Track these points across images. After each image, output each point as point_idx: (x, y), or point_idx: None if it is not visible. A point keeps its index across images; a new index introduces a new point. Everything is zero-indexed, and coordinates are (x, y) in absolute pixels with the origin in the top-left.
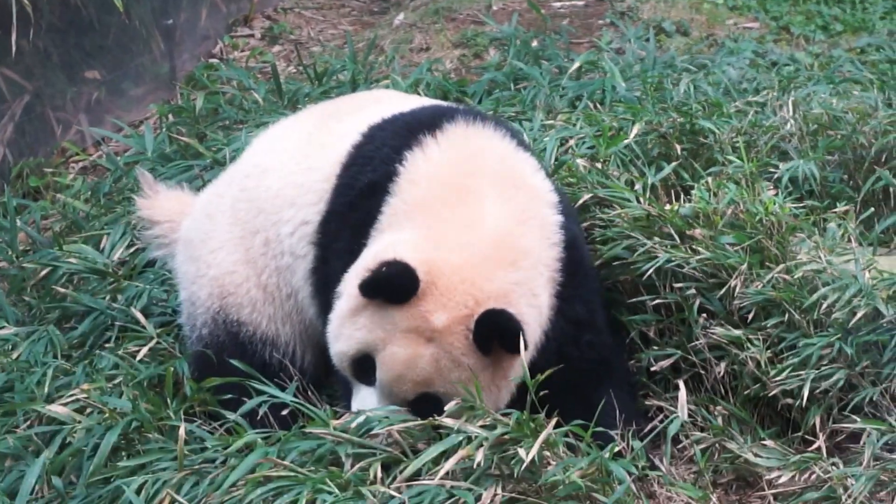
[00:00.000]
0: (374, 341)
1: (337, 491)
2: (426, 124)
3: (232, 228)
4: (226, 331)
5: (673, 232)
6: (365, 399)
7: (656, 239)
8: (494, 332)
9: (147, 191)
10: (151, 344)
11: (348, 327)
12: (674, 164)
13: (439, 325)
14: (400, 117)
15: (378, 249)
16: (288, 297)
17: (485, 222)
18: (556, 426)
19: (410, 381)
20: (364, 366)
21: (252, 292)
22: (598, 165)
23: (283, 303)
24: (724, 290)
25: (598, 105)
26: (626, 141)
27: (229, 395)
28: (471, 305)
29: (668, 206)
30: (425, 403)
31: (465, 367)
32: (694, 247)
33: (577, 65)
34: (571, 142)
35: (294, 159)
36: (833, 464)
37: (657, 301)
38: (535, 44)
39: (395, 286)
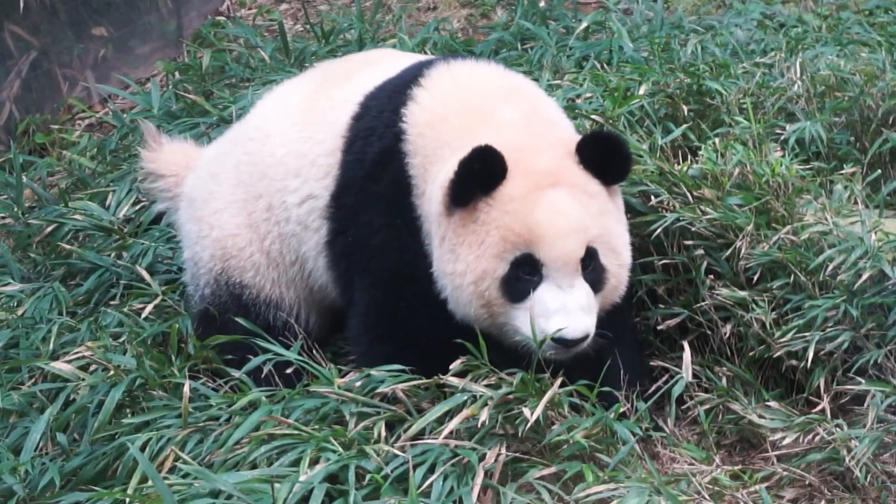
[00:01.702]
0: (512, 225)
1: (341, 449)
2: (410, 79)
3: (235, 190)
4: (228, 292)
5: (686, 190)
6: (550, 300)
7: (665, 195)
8: (597, 149)
9: (151, 143)
10: (156, 301)
11: (479, 261)
12: (684, 126)
13: (546, 164)
14: (389, 83)
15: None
16: (292, 263)
17: (504, 119)
18: (562, 386)
19: (570, 230)
20: (522, 269)
21: (255, 256)
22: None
23: (288, 268)
24: (730, 251)
25: (606, 65)
26: (636, 101)
27: (232, 355)
28: (557, 146)
29: (677, 167)
30: (591, 262)
31: (596, 196)
32: (702, 207)
33: (584, 25)
34: (579, 101)
35: (295, 126)
36: (837, 425)
37: (665, 261)
38: (542, 4)
39: (489, 164)
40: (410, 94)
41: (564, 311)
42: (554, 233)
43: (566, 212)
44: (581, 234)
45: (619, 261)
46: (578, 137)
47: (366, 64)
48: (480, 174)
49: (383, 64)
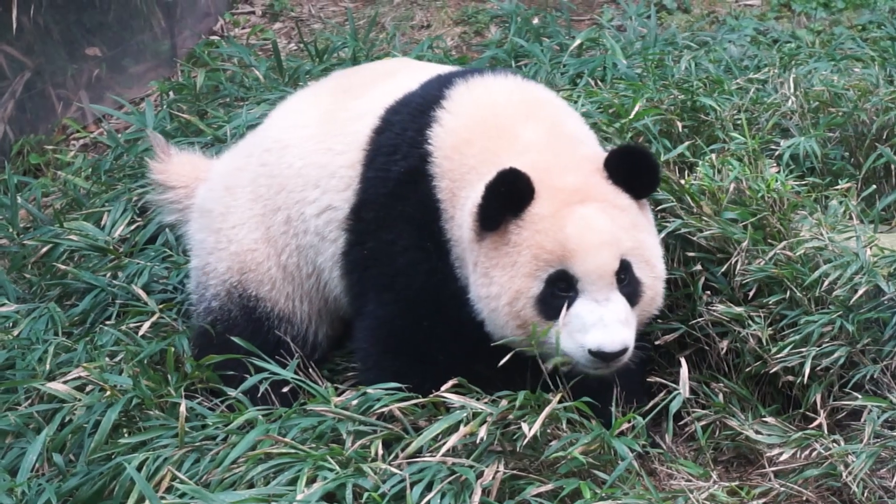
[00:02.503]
0: (543, 243)
1: (338, 468)
2: (432, 99)
3: (253, 205)
4: (240, 305)
5: (690, 202)
6: (587, 314)
7: (673, 202)
8: (624, 164)
9: (160, 154)
10: (153, 319)
11: (512, 281)
12: (686, 143)
13: (573, 181)
14: (410, 99)
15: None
16: (309, 275)
17: (527, 140)
18: (560, 401)
19: (602, 243)
20: (557, 286)
21: (272, 271)
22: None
23: (304, 281)
24: (726, 266)
25: (600, 82)
26: (640, 120)
27: (232, 372)
28: (583, 163)
29: (682, 180)
30: (626, 276)
31: (626, 210)
32: (704, 219)
33: (578, 42)
34: None
35: (314, 137)
36: (834, 441)
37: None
38: (535, 21)
39: (515, 186)
40: (434, 115)
41: (602, 325)
42: (586, 247)
43: (597, 226)
44: (613, 246)
45: (653, 273)
46: (603, 153)
47: (384, 75)
48: (507, 197)
49: (401, 76)
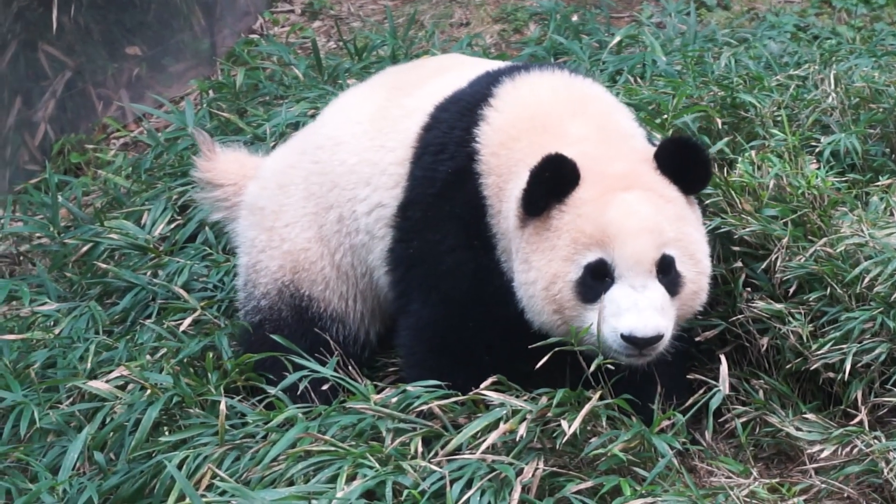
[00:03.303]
0: (584, 227)
1: (377, 465)
2: (479, 97)
3: (306, 203)
4: (291, 304)
5: (733, 195)
6: (621, 299)
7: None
8: (676, 156)
9: (206, 152)
10: (195, 315)
11: (550, 265)
12: (725, 139)
13: (621, 168)
14: (458, 96)
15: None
16: (363, 275)
17: (575, 134)
18: (600, 399)
19: (643, 229)
20: (595, 272)
21: (326, 270)
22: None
23: (358, 281)
24: (766, 262)
25: (639, 79)
26: (680, 118)
27: (272, 374)
28: (632, 154)
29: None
30: (667, 268)
31: (673, 201)
32: (743, 216)
33: (617, 39)
34: None
35: (367, 134)
36: (875, 437)
37: None
38: (575, 18)
39: (559, 171)
40: (481, 113)
41: (636, 309)
42: (626, 232)
43: (639, 212)
44: (655, 234)
45: (697, 268)
46: (652, 147)
47: (437, 71)
48: (551, 181)
49: (453, 72)
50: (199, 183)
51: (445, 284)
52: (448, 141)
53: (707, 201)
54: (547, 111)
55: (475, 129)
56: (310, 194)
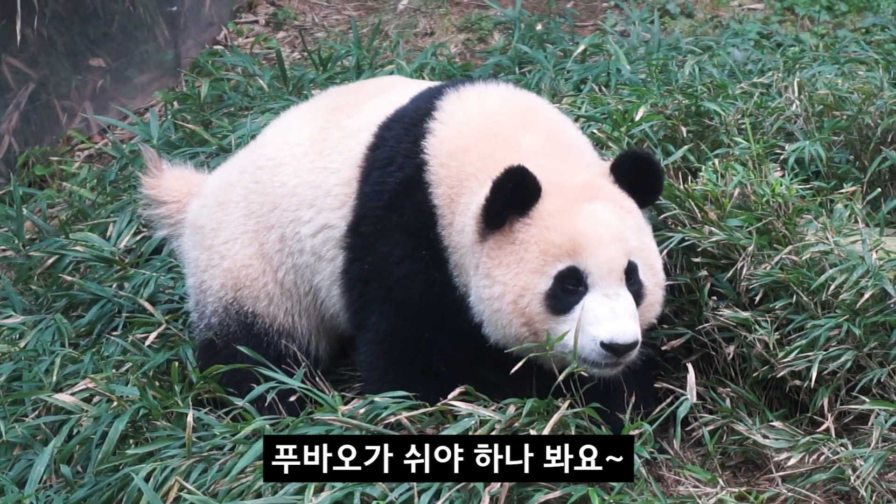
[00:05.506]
0: (553, 238)
1: None
2: (424, 111)
3: (245, 221)
4: (238, 321)
5: (694, 207)
6: (598, 307)
7: (676, 210)
8: (632, 169)
9: (152, 169)
10: (160, 329)
11: (518, 278)
12: (684, 147)
13: (582, 180)
14: (402, 112)
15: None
16: (306, 293)
17: (528, 146)
18: (569, 408)
19: (613, 238)
20: (566, 281)
21: (269, 286)
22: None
23: (302, 298)
24: (732, 271)
25: (603, 88)
26: (639, 126)
27: (236, 385)
28: (589, 167)
29: (684, 185)
30: (632, 275)
31: (633, 213)
32: (707, 227)
33: (581, 48)
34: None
35: (307, 156)
36: (841, 445)
37: (669, 282)
38: (539, 27)
39: (522, 184)
40: (427, 126)
41: (614, 317)
42: (597, 241)
43: (607, 221)
44: (623, 243)
45: (655, 279)
46: (602, 160)
47: (375, 92)
48: (514, 193)
49: (392, 92)
50: (144, 200)
51: (397, 295)
52: (396, 154)
53: (666, 213)
54: (496, 121)
55: (422, 142)
56: (250, 213)
